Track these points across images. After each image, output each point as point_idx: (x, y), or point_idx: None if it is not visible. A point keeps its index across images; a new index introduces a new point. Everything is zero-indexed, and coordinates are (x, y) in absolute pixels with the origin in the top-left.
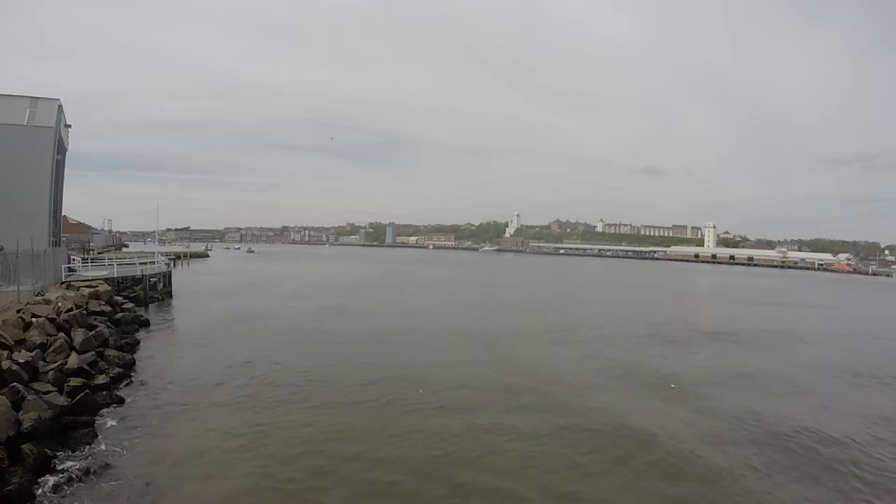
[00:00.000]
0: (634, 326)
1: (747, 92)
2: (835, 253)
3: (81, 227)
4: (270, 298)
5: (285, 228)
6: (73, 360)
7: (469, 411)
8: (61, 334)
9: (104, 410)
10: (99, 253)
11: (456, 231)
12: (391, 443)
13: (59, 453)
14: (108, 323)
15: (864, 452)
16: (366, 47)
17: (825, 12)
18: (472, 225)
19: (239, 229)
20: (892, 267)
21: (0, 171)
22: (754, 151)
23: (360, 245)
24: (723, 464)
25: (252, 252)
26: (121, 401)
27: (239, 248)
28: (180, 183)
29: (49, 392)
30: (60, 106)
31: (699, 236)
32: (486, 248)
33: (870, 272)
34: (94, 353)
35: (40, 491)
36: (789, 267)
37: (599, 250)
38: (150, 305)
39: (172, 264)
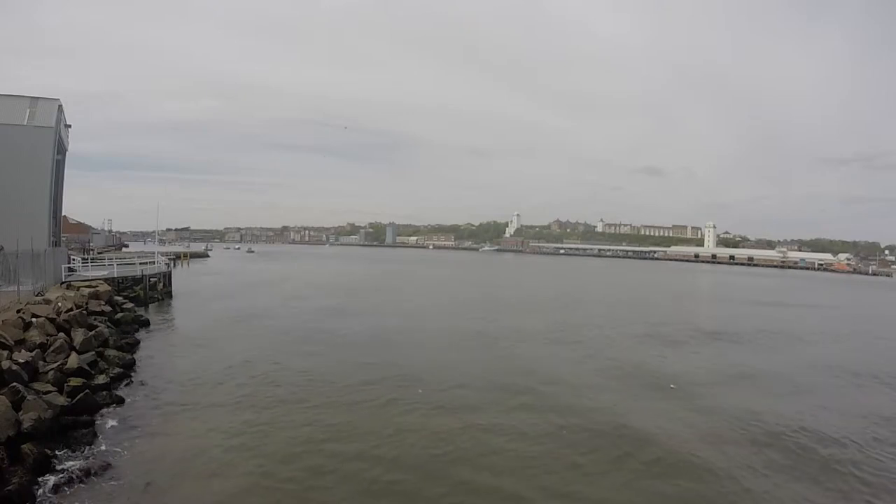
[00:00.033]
0: (634, 326)
1: (747, 92)
2: (835, 253)
3: (81, 227)
4: (270, 298)
5: (285, 228)
6: (73, 360)
7: (469, 411)
8: (61, 334)
9: (104, 410)
10: (99, 253)
11: (456, 231)
12: (391, 442)
13: (59, 453)
14: (108, 323)
15: (864, 452)
16: (366, 47)
17: (825, 12)
18: (472, 225)
19: (239, 229)
20: (892, 267)
21: (0, 171)
22: (754, 151)
23: (360, 245)
24: (722, 464)
25: (252, 252)
26: (121, 401)
27: (239, 248)
28: (180, 183)
29: (49, 392)
30: (60, 106)
31: (699, 236)
32: (486, 248)
33: (870, 272)
34: (94, 353)
35: (40, 491)
36: (789, 267)
37: (599, 250)
38: (150, 305)
39: (172, 264)
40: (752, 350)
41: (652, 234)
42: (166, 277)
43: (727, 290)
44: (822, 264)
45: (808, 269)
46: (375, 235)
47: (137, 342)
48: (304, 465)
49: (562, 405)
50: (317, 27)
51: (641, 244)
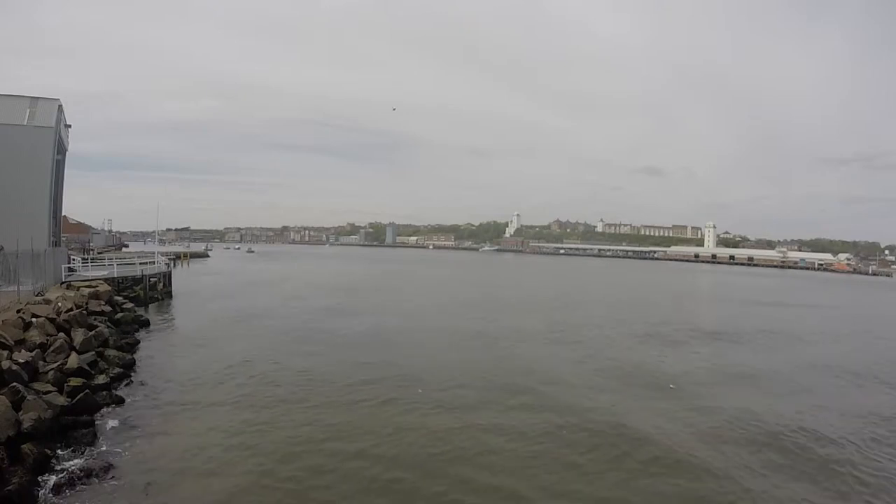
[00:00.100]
0: (634, 326)
1: (747, 92)
2: (835, 253)
3: (81, 227)
4: (270, 298)
5: (285, 228)
6: (73, 360)
7: (468, 410)
8: (61, 334)
9: (104, 410)
10: (99, 253)
11: (456, 231)
12: (390, 441)
13: (59, 453)
14: (108, 323)
15: (863, 453)
16: (366, 47)
17: (825, 12)
18: (472, 225)
19: (239, 229)
20: (892, 267)
21: (0, 171)
22: (754, 151)
23: (360, 245)
24: (721, 463)
25: (252, 252)
26: (121, 401)
27: (239, 248)
28: (180, 183)
29: (49, 392)
30: (60, 106)
31: (699, 236)
32: (486, 248)
33: (870, 272)
34: (94, 353)
35: (40, 491)
36: (789, 267)
37: (599, 250)
38: (150, 305)
39: (172, 264)
40: (751, 350)
41: (652, 234)
42: (166, 277)
43: (727, 290)
44: (822, 264)
45: (808, 269)
46: (375, 235)
47: (137, 342)
48: (303, 464)
49: (561, 405)
50: (317, 27)
51: (641, 244)
